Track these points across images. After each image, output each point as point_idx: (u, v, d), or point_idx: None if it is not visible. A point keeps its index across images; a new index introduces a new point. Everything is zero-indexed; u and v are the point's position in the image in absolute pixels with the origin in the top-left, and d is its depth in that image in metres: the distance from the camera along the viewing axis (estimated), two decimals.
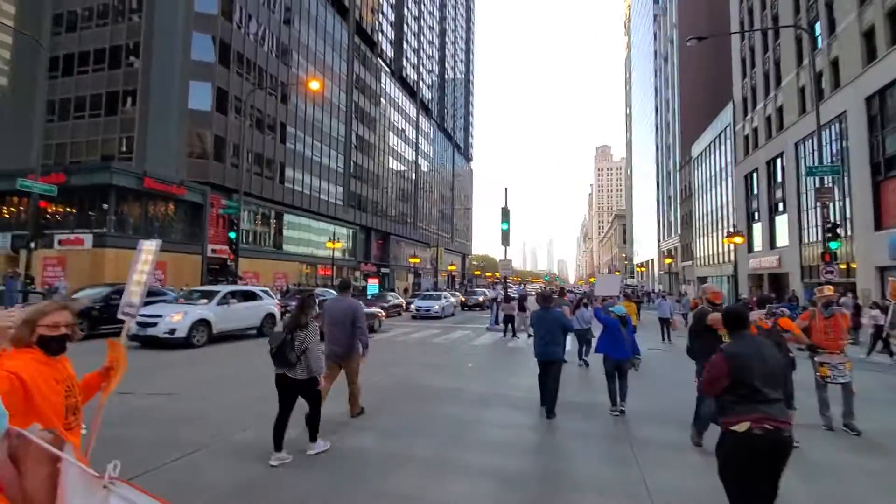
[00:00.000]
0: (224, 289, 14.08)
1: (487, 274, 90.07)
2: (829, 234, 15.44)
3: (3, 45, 64.55)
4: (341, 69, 47.50)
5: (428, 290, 37.08)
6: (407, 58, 65.45)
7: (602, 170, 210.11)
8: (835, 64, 23.61)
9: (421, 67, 71.28)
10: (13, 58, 38.79)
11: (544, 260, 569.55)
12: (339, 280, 6.74)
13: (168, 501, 1.14)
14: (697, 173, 50.41)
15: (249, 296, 14.66)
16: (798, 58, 27.52)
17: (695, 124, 51.48)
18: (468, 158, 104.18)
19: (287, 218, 40.23)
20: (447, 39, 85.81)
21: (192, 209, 30.26)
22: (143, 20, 31.51)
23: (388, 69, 59.42)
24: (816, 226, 25.79)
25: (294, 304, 16.93)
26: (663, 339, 15.53)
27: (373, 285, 36.39)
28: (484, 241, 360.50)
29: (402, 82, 64.01)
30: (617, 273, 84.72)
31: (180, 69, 30.94)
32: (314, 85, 20.96)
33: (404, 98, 64.42)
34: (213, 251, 30.51)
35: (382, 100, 57.11)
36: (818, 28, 25.01)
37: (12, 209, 27.70)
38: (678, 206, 59.25)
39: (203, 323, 12.17)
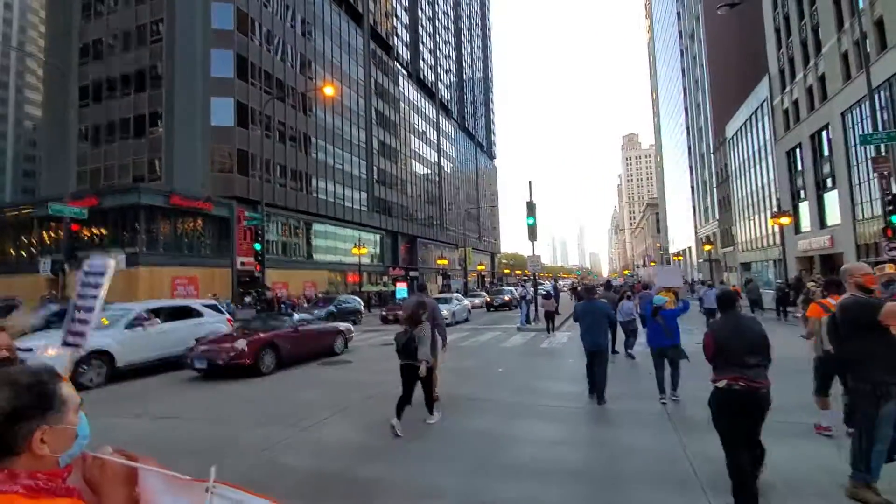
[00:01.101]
0: (137, 307, 10.87)
1: (518, 271, 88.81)
2: (891, 207, 13.98)
3: (38, 77, 68.02)
4: (359, 75, 47.60)
5: (458, 291, 36.33)
6: (424, 59, 65.19)
7: (630, 158, 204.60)
8: (879, 24, 21.75)
9: (438, 68, 70.92)
10: (46, 90, 40.57)
11: (575, 254, 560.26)
12: (416, 283, 8.84)
13: (273, 499, 1.10)
14: (734, 154, 47.98)
15: (182, 313, 11.57)
16: (838, 21, 25.58)
17: (727, 103, 49.05)
18: (491, 156, 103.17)
19: (315, 227, 40.51)
20: (463, 38, 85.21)
21: (220, 223, 30.72)
22: (164, 42, 32.27)
23: (405, 72, 59.32)
24: (872, 200, 23.84)
25: (317, 311, 16.52)
26: None
27: (401, 289, 36.07)
28: (512, 239, 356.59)
29: (421, 84, 63.80)
30: (654, 263, 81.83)
31: (201, 87, 31.51)
32: (328, 90, 20.77)
33: (423, 100, 64.19)
34: (243, 263, 30.87)
35: (402, 103, 57.04)
36: None
37: (52, 234, 28.78)
38: (714, 189, 56.62)
39: (100, 355, 9.09)
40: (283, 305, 26.87)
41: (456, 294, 25.97)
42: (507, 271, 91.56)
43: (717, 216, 56.11)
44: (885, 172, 14.11)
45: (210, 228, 30.40)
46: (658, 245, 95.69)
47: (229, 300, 26.36)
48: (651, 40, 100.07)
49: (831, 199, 28.62)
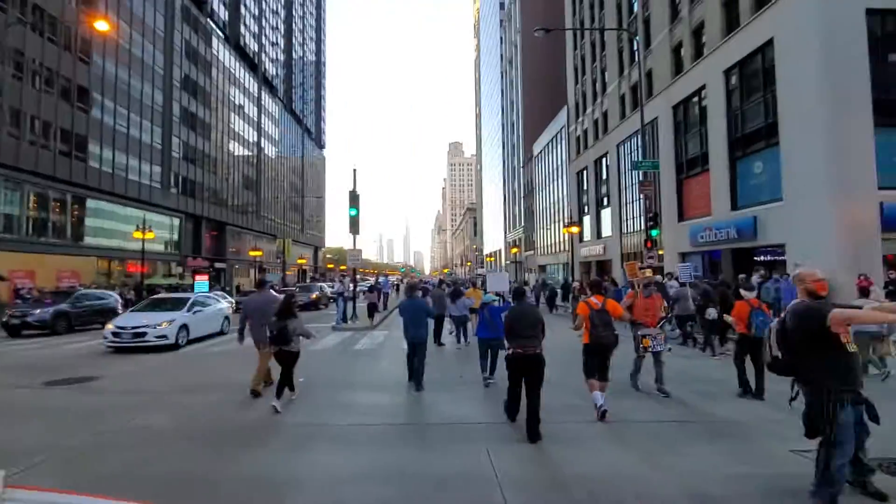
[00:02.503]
0: None
1: (342, 266, 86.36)
2: (651, 223, 16.94)
3: None
4: (157, 24, 39.57)
5: (274, 287, 32.72)
6: (245, 24, 58.09)
7: (454, 165, 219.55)
8: (649, 75, 26.73)
9: (263, 38, 64.14)
10: None
11: (400, 252, 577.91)
12: (258, 279, 8.99)
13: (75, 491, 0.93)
14: (538, 170, 54.66)
15: None
16: (620, 68, 30.80)
17: (536, 125, 55.68)
18: (320, 145, 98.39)
19: (89, 203, 32.22)
20: (295, 13, 79.09)
21: None
22: None
23: (221, 34, 51.83)
24: (634, 217, 29.25)
25: (40, 309, 12.34)
26: None
27: (201, 283, 31.04)
28: (339, 234, 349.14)
29: (241, 52, 56.69)
30: (469, 263, 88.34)
31: None
32: (101, 25, 16.04)
33: (243, 70, 57.14)
34: None
35: (215, 69, 49.57)
36: (637, 42, 28.19)
37: None
38: (522, 200, 63.84)
39: None
40: (22, 299, 20.21)
41: (197, 296, 15.54)
42: (330, 266, 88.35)
43: (522, 223, 63.40)
44: (649, 194, 17.01)
45: None
46: (475, 247, 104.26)
47: None
48: (478, 58, 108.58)
49: (606, 215, 34.43)
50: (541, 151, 53.21)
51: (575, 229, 30.21)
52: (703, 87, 21.10)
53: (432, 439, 5.03)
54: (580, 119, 39.08)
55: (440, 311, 12.29)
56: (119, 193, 34.62)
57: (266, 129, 64.43)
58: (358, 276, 32.77)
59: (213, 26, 49.85)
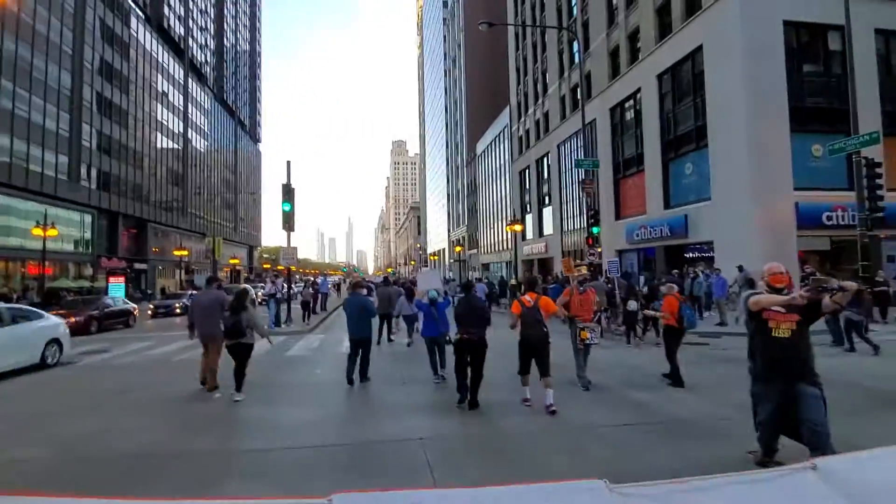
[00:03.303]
0: None
1: (279, 266, 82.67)
2: (592, 220, 17.22)
3: None
4: None
5: (196, 288, 30.38)
6: (170, 6, 53.87)
7: (398, 163, 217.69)
8: (588, 78, 27.42)
9: (191, 22, 59.84)
10: None
11: (343, 251, 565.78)
12: (207, 277, 8.65)
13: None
14: (481, 169, 55.06)
15: None
16: (560, 70, 31.44)
17: (479, 124, 55.98)
18: (256, 139, 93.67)
19: None
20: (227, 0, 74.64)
21: None
22: None
23: (141, 14, 47.65)
24: (574, 216, 29.97)
25: None
26: None
27: (116, 285, 28.28)
28: (278, 233, 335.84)
29: (165, 36, 52.50)
30: (414, 262, 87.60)
31: None
32: None
33: (168, 56, 52.94)
34: None
35: (134, 51, 45.45)
36: (576, 45, 28.85)
37: None
38: (465, 198, 64.08)
39: None
40: None
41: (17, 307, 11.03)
42: (267, 266, 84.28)
43: (466, 222, 63.67)
44: (590, 191, 17.28)
45: None
46: (418, 245, 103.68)
47: None
48: (421, 55, 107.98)
49: (548, 213, 35.12)
50: (484, 150, 53.59)
51: (518, 227, 30.49)
52: (639, 90, 21.87)
53: (369, 462, 4.43)
54: (522, 119, 39.63)
55: (387, 309, 11.84)
56: (17, 185, 30.75)
57: (194, 119, 60.17)
58: (298, 277, 31.07)
59: (133, 5, 45.72)
